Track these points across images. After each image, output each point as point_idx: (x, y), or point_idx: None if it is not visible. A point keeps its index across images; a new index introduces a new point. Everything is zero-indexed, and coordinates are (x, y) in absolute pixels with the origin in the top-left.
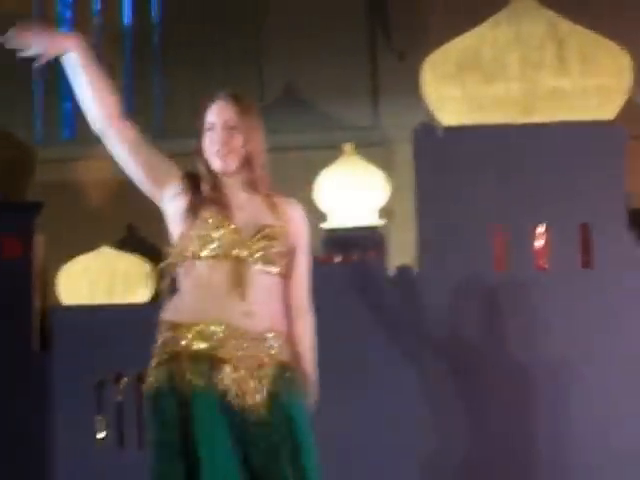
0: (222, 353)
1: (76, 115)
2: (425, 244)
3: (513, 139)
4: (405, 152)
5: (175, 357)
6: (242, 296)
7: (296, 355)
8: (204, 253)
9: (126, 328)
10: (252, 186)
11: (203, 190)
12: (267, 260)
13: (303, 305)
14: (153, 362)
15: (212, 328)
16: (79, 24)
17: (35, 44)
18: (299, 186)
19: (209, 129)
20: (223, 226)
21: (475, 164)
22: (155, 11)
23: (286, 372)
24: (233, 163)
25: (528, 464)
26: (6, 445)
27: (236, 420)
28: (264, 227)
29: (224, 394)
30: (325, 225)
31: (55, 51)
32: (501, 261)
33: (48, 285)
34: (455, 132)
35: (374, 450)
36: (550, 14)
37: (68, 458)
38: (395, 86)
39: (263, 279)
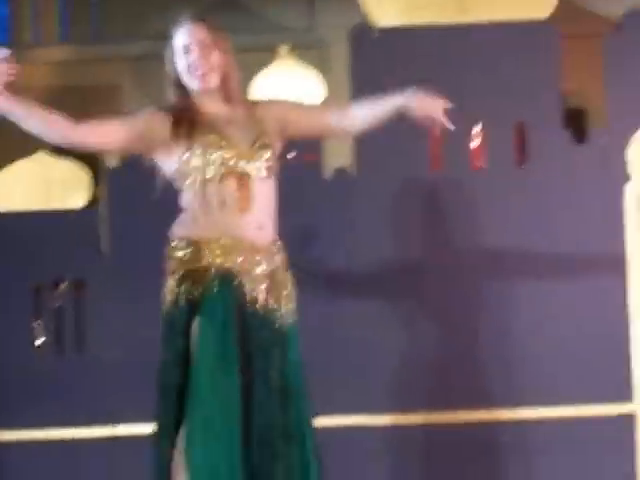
0: (240, 266)
1: None
2: (361, 146)
3: (448, 39)
4: (341, 54)
5: (198, 272)
6: (252, 210)
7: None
8: (209, 175)
9: (63, 234)
10: (230, 101)
11: (186, 116)
12: (269, 168)
13: (341, 109)
14: (173, 279)
15: (230, 243)
16: None
17: None
18: None
19: (184, 52)
20: (220, 144)
21: (411, 65)
22: None
23: (287, 281)
24: (214, 80)
25: (476, 359)
26: None
27: (247, 323)
28: (258, 136)
29: (241, 300)
30: None
31: None
32: (437, 161)
33: None
34: (391, 33)
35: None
36: None
37: (6, 365)
38: None
39: (265, 188)
